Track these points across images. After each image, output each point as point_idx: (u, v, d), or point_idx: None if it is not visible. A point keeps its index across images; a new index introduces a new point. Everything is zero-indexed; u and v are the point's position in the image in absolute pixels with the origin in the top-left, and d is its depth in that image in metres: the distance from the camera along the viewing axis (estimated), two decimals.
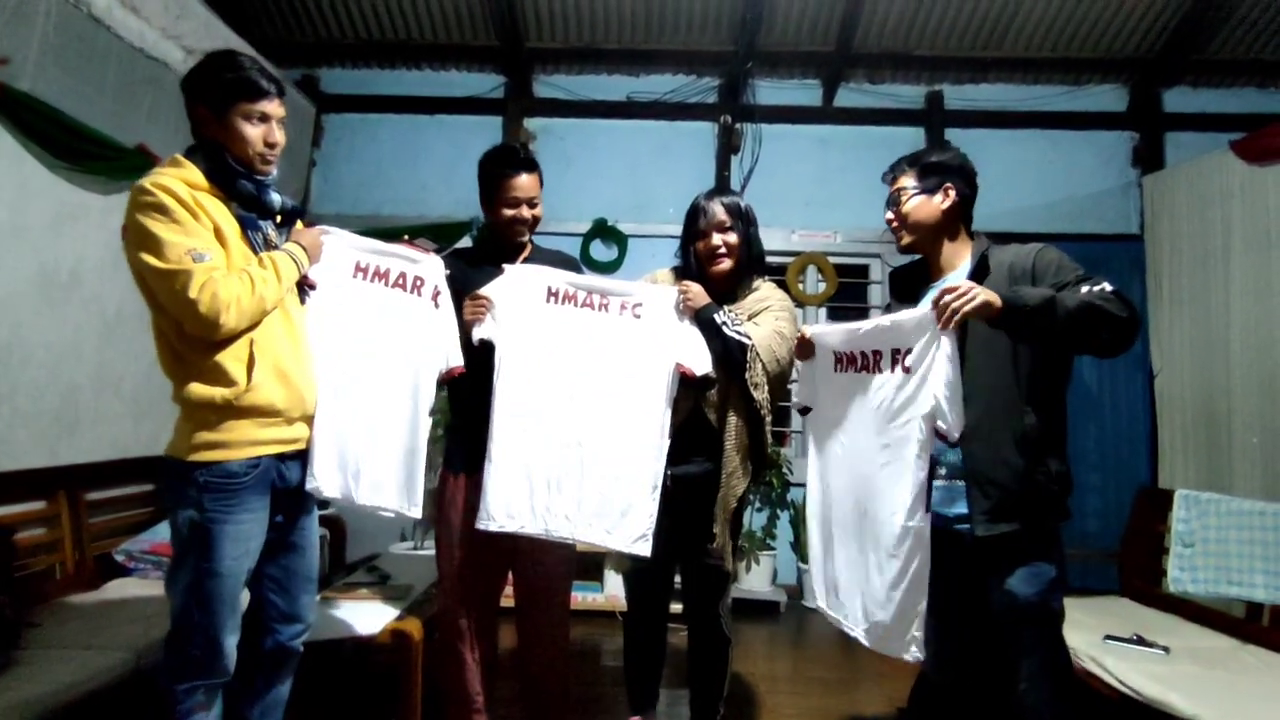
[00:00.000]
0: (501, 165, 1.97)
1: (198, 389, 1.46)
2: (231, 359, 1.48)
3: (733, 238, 1.98)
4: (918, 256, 1.80)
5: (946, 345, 1.46)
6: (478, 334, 1.88)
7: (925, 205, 1.70)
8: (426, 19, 4.21)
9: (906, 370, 1.54)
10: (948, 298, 1.42)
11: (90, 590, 2.41)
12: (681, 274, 2.05)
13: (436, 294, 1.85)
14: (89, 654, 1.92)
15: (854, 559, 1.67)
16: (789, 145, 4.37)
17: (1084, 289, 1.47)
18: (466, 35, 4.30)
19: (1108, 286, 1.48)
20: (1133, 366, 4.00)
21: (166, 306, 1.44)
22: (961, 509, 1.58)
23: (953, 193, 1.70)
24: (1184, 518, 2.57)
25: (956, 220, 1.72)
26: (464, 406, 2.02)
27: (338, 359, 1.71)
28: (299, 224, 1.74)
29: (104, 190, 2.72)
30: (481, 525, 1.84)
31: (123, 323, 2.82)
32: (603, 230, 4.27)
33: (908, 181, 1.72)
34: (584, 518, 1.85)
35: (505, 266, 1.95)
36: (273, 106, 1.57)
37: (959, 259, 1.71)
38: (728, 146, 4.35)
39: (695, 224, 2.01)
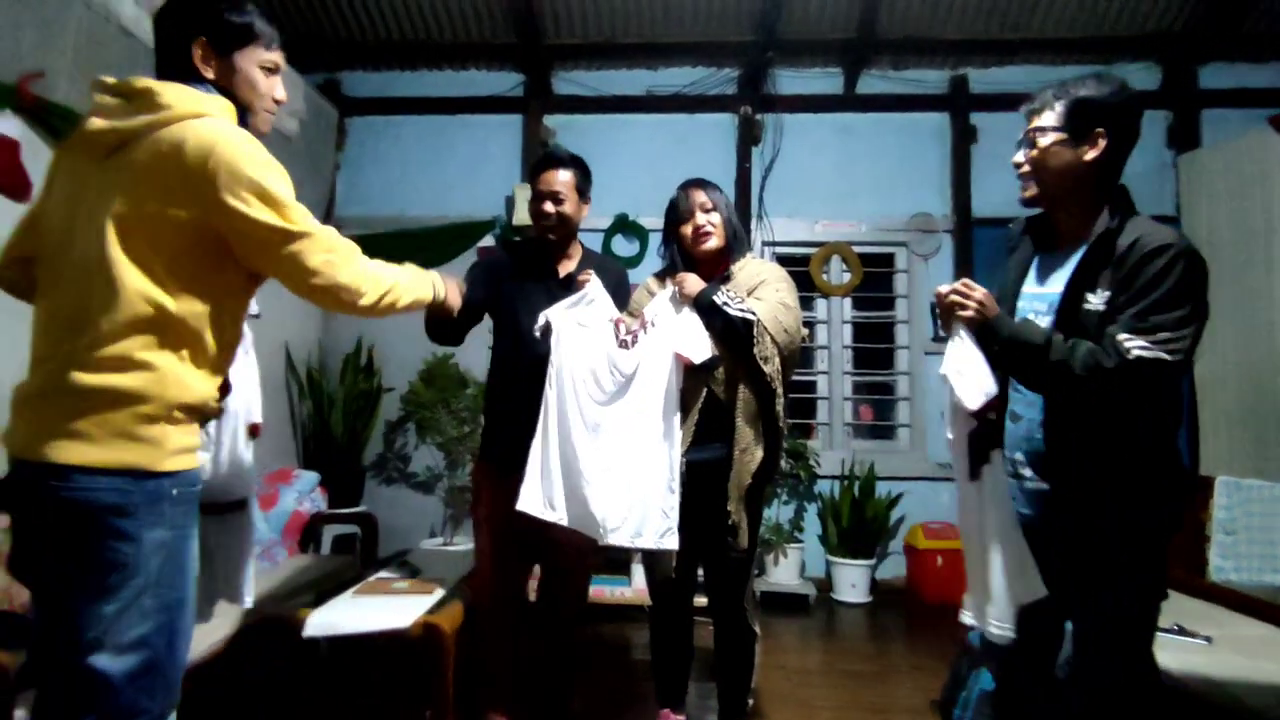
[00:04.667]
0: (535, 165, 2.11)
1: (191, 387, 1.22)
2: (227, 354, 1.31)
3: (716, 218, 2.02)
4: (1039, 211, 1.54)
5: (963, 335, 1.48)
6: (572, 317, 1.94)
7: (1063, 153, 1.40)
8: (445, 18, 4.23)
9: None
10: (955, 297, 1.45)
11: None
12: (668, 273, 2.09)
13: None
14: None
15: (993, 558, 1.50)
16: (811, 135, 4.33)
17: (1120, 340, 1.28)
18: (485, 33, 4.32)
19: (1138, 352, 1.26)
20: None
21: (274, 270, 1.26)
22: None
23: (1103, 142, 1.38)
24: (1225, 505, 2.51)
25: (1100, 177, 1.41)
26: (501, 400, 2.11)
27: None
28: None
29: None
30: (521, 507, 1.89)
31: None
32: (624, 225, 4.27)
33: (1049, 119, 1.41)
34: (612, 522, 1.88)
35: (591, 274, 2.00)
36: (281, 59, 1.37)
37: (1086, 229, 1.41)
38: (748, 138, 4.31)
39: (676, 212, 2.05)
